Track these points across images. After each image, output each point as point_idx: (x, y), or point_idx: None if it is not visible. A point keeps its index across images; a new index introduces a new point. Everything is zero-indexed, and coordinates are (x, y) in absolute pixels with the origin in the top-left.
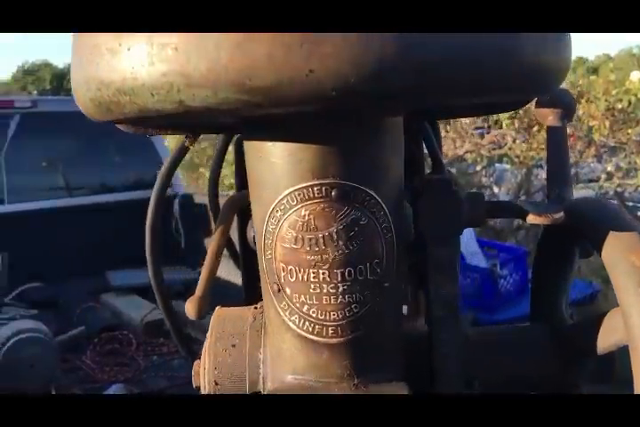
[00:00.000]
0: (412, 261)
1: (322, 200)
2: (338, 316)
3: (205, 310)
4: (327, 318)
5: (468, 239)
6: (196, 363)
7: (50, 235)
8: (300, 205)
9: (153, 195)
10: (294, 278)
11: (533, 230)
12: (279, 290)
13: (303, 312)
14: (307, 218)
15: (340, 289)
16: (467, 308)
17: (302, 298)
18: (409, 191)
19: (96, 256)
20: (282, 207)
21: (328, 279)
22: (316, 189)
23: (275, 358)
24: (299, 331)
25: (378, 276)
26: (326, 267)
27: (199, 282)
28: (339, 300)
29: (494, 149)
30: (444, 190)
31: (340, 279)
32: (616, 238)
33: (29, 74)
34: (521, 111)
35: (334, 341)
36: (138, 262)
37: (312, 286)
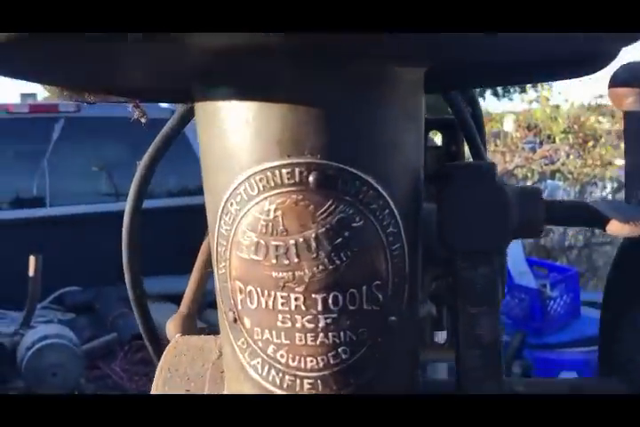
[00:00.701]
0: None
1: (294, 189)
2: (318, 364)
3: (191, 331)
4: (302, 366)
5: (515, 256)
6: None
7: (90, 239)
8: (262, 196)
9: (131, 191)
10: (255, 305)
11: (587, 250)
12: (235, 320)
13: (268, 355)
14: (272, 215)
15: (322, 324)
16: (514, 330)
17: (266, 334)
18: (433, 187)
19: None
20: (237, 199)
21: (303, 308)
22: (285, 171)
23: None
24: (262, 382)
25: (379, 305)
26: (301, 290)
27: (184, 297)
28: (319, 340)
29: (546, 164)
30: (481, 182)
31: (321, 309)
32: None
33: None
34: (576, 126)
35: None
36: (177, 269)
37: (280, 317)
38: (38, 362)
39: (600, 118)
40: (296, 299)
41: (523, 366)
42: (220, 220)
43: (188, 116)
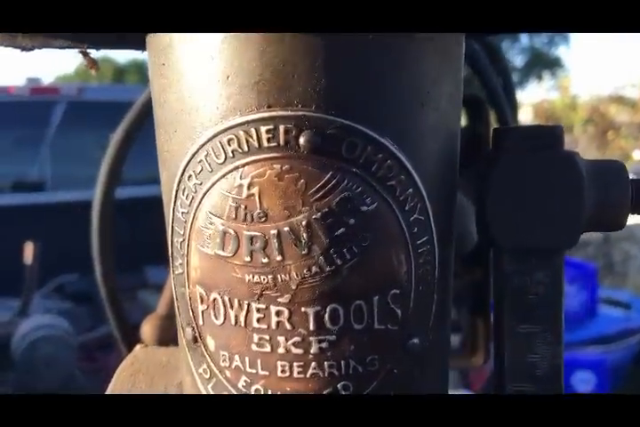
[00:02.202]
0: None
1: (278, 155)
2: None
3: (168, 333)
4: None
5: None
6: None
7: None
8: (231, 166)
9: (101, 175)
10: (222, 320)
11: (605, 246)
12: (196, 339)
13: (239, 390)
14: (245, 193)
15: (314, 349)
16: None
17: (236, 362)
18: (472, 170)
19: (136, 250)
20: (198, 170)
21: (288, 327)
22: (264, 129)
23: None
24: None
25: (397, 323)
26: (285, 300)
27: (162, 296)
28: (310, 371)
29: None
30: (546, 153)
31: (313, 328)
32: None
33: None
34: (595, 116)
35: None
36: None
37: (256, 338)
38: (31, 353)
39: (621, 109)
40: (278, 313)
41: None
42: (176, 200)
43: None
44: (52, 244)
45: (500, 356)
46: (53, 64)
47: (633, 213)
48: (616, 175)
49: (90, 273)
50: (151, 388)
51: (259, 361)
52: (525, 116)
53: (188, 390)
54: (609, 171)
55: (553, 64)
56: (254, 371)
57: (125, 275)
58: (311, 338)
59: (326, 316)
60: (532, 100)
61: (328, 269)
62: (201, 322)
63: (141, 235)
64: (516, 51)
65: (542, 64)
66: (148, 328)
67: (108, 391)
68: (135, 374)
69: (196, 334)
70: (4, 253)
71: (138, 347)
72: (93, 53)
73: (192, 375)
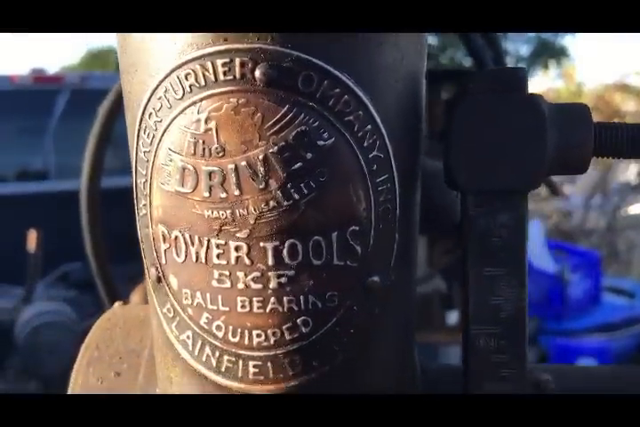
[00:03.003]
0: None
1: (234, 89)
2: (268, 340)
3: None
4: (246, 342)
5: (534, 238)
6: None
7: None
8: (189, 101)
9: (86, 162)
10: (183, 257)
11: (609, 234)
12: (159, 279)
13: (201, 327)
14: (203, 128)
15: (273, 284)
16: (530, 315)
17: (198, 299)
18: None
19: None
20: (158, 107)
21: (247, 262)
22: (220, 62)
23: None
24: (194, 364)
25: (357, 260)
26: (244, 235)
27: None
28: (269, 307)
29: None
30: (508, 94)
31: (272, 263)
32: None
33: (97, 58)
34: (600, 105)
35: (261, 390)
36: None
37: (216, 274)
38: (34, 339)
39: (626, 97)
40: (237, 248)
41: (538, 353)
42: (138, 139)
43: None
44: (55, 232)
45: (465, 299)
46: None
47: (596, 156)
48: (579, 117)
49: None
50: (126, 341)
51: (219, 297)
52: None
53: (155, 333)
54: (572, 113)
55: (559, 53)
56: (215, 307)
57: (131, 263)
58: (270, 273)
59: (284, 251)
60: (537, 90)
61: (285, 203)
62: (164, 261)
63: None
64: (522, 40)
65: (548, 53)
66: (137, 297)
67: (84, 345)
68: (112, 328)
69: (160, 274)
70: (8, 242)
71: (116, 304)
72: (98, 43)
73: (157, 316)
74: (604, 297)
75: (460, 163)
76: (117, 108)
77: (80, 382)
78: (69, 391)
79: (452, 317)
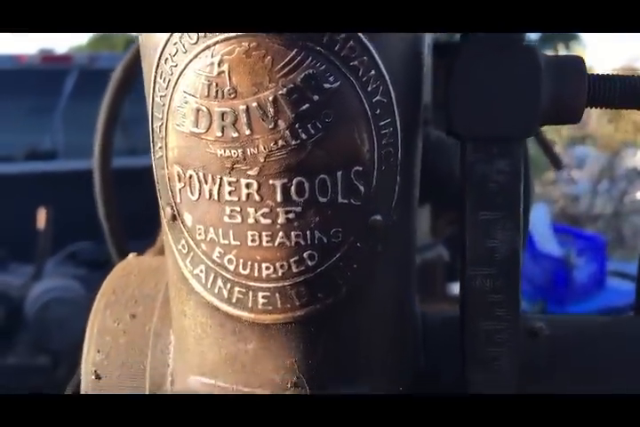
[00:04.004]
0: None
1: (245, 35)
2: (276, 272)
3: None
4: (256, 274)
5: (540, 222)
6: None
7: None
8: (203, 45)
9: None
10: (197, 195)
11: (615, 220)
12: (174, 217)
13: (213, 261)
14: (216, 71)
15: (282, 219)
16: (535, 298)
17: (211, 234)
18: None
19: (149, 218)
20: (173, 52)
21: (257, 198)
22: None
23: (177, 342)
24: (207, 296)
25: (360, 199)
26: (254, 173)
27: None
28: (277, 240)
29: (576, 128)
30: (505, 46)
31: (280, 200)
32: None
33: (105, 39)
34: None
35: (269, 319)
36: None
37: (228, 210)
38: (45, 315)
39: None
40: (248, 185)
41: None
42: (155, 85)
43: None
44: (64, 212)
45: (462, 242)
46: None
47: (589, 106)
48: (574, 69)
49: (103, 240)
50: (141, 286)
51: (231, 232)
52: None
53: (170, 270)
54: (567, 64)
55: (568, 37)
56: (227, 242)
57: (139, 242)
58: (278, 209)
59: (292, 188)
60: None
61: (293, 142)
62: (179, 200)
63: (155, 203)
64: None
65: (557, 37)
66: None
67: (101, 291)
68: (127, 275)
69: (175, 212)
70: (17, 221)
71: (131, 255)
72: None
73: (173, 253)
74: (608, 281)
75: (459, 110)
76: (125, 85)
77: (97, 323)
78: (87, 333)
79: (455, 288)
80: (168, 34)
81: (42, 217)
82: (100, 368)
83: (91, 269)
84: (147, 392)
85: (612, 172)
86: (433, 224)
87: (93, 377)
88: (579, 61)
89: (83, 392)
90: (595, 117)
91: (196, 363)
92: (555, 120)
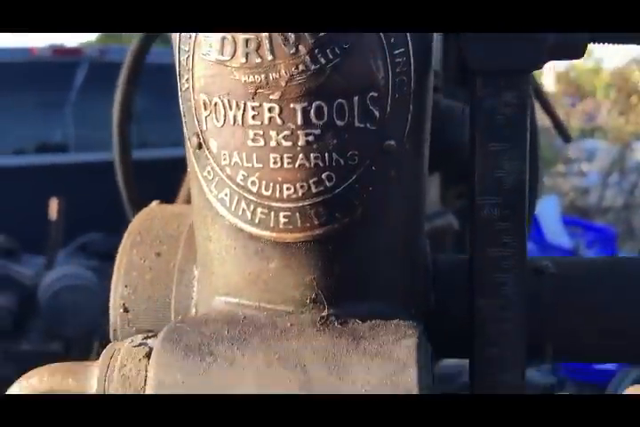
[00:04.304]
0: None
1: None
2: (296, 192)
3: None
4: (277, 195)
5: (550, 215)
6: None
7: (114, 186)
8: None
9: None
10: (222, 121)
11: (625, 212)
12: (200, 145)
13: (237, 184)
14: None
15: (302, 141)
16: None
17: (235, 158)
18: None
19: None
20: None
21: (279, 122)
22: None
23: (202, 269)
24: (231, 218)
25: (375, 124)
26: (276, 97)
27: (179, 196)
28: (298, 162)
29: (586, 120)
30: None
31: (301, 122)
32: None
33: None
34: (619, 80)
35: (290, 237)
36: None
37: (251, 133)
38: (58, 302)
39: None
40: (270, 109)
41: None
42: None
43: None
44: (75, 204)
45: (471, 174)
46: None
47: (593, 42)
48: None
49: (113, 231)
50: (165, 228)
51: (254, 155)
52: (547, 81)
53: (195, 199)
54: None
55: None
56: (250, 165)
57: None
58: (299, 132)
59: (312, 112)
60: (557, 67)
61: (313, 67)
62: (205, 127)
63: (164, 196)
64: None
65: None
66: None
67: (125, 234)
68: (151, 219)
69: (201, 140)
70: (29, 213)
71: (154, 202)
72: None
73: (198, 181)
74: None
75: (469, 45)
76: (136, 77)
77: (125, 261)
78: (115, 271)
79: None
80: None
81: (54, 208)
82: (127, 302)
83: (101, 260)
84: (172, 320)
85: (623, 164)
86: (443, 194)
87: (122, 310)
88: None
89: (112, 326)
90: (605, 110)
91: (221, 284)
92: (560, 55)
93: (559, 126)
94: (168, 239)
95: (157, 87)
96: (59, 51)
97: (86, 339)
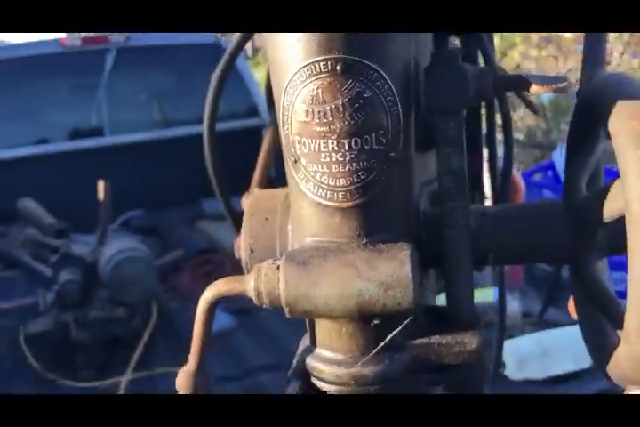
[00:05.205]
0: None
1: (328, 74)
2: (347, 182)
3: None
4: (337, 184)
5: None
6: (237, 239)
7: (149, 165)
8: (309, 81)
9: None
10: (307, 150)
11: None
12: (295, 161)
13: (316, 180)
14: (315, 92)
15: (348, 157)
16: None
17: (315, 167)
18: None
19: (192, 185)
20: (294, 84)
21: (337, 149)
22: (322, 64)
23: (296, 225)
24: (314, 197)
25: (384, 146)
26: (334, 137)
27: (253, 181)
28: (346, 167)
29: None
30: (448, 64)
31: (347, 148)
32: (622, 107)
33: None
34: None
35: (344, 205)
36: (231, 190)
37: (323, 155)
38: (117, 273)
39: None
40: (332, 143)
41: None
42: (283, 98)
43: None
44: (115, 184)
45: (438, 168)
46: None
47: (497, 92)
48: (485, 74)
49: (152, 208)
50: (267, 204)
51: (324, 166)
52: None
53: (292, 189)
54: (482, 71)
55: None
56: (323, 170)
57: (185, 208)
58: (346, 153)
59: (352, 143)
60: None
61: (352, 122)
62: (298, 152)
63: (196, 171)
64: None
65: None
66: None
67: (245, 211)
68: (258, 200)
69: (295, 159)
70: (74, 195)
71: (255, 190)
72: None
73: (294, 179)
74: None
75: (431, 97)
76: (229, 70)
77: (247, 224)
78: (242, 229)
79: None
80: (291, 73)
81: (101, 189)
82: (252, 246)
83: (144, 234)
84: (277, 256)
85: None
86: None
87: (249, 252)
88: (487, 70)
89: (243, 262)
90: (617, 53)
91: (308, 232)
92: (477, 100)
93: (526, 101)
94: (271, 211)
95: (177, 67)
96: (87, 40)
97: (146, 304)
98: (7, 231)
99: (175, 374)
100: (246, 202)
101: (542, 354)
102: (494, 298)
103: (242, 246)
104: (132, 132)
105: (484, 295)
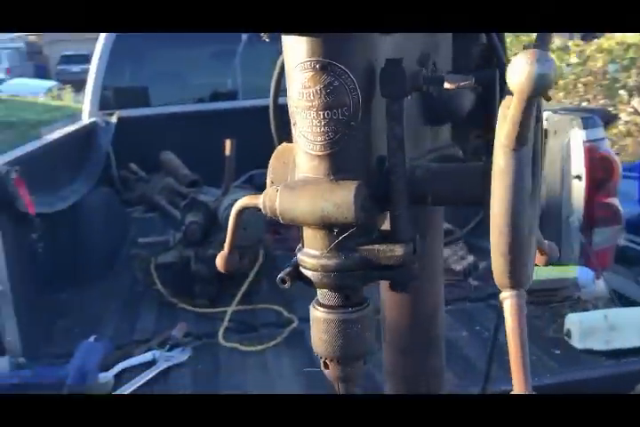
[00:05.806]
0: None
1: (311, 69)
2: (322, 139)
3: None
4: (316, 139)
5: None
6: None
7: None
8: (301, 73)
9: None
10: (300, 117)
11: None
12: (294, 124)
13: (304, 136)
14: (304, 80)
15: (323, 123)
16: None
17: (304, 128)
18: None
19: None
20: (293, 74)
21: (315, 117)
22: (308, 63)
23: (297, 165)
24: (303, 148)
25: (346, 117)
26: (314, 110)
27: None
28: (321, 129)
29: None
30: (395, 65)
31: (322, 117)
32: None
33: None
34: None
35: (320, 153)
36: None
37: (308, 121)
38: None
39: None
40: (313, 113)
41: None
42: (289, 82)
43: None
44: (242, 143)
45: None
46: None
47: (414, 90)
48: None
49: None
50: (284, 155)
51: (311, 127)
52: None
53: (299, 146)
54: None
55: None
56: (309, 130)
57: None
58: (322, 120)
59: (325, 114)
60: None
61: (326, 100)
62: (296, 119)
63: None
64: None
65: None
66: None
67: (272, 158)
68: (282, 151)
69: (294, 121)
70: (206, 152)
71: (282, 145)
72: None
73: (295, 139)
74: None
75: (382, 87)
76: None
77: (272, 167)
78: (269, 170)
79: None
80: (294, 66)
81: (228, 146)
82: (272, 179)
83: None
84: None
85: None
86: (456, 134)
87: (271, 182)
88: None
89: (268, 185)
90: None
91: (301, 170)
92: (411, 91)
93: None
94: (286, 157)
95: None
96: None
97: (255, 247)
98: (151, 179)
99: (273, 310)
100: (275, 151)
101: (608, 328)
102: (577, 275)
103: (268, 178)
104: (261, 97)
105: (567, 271)
